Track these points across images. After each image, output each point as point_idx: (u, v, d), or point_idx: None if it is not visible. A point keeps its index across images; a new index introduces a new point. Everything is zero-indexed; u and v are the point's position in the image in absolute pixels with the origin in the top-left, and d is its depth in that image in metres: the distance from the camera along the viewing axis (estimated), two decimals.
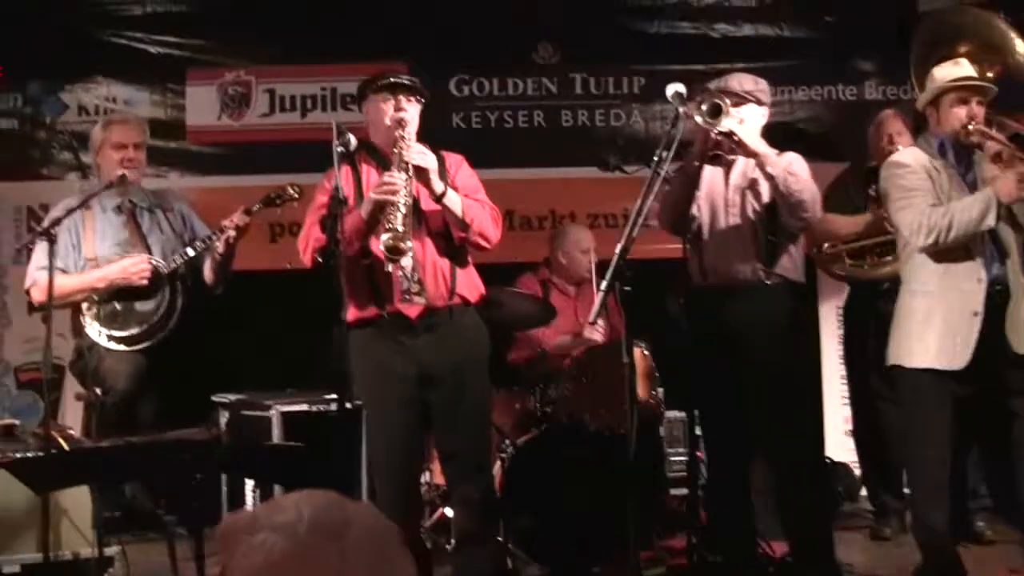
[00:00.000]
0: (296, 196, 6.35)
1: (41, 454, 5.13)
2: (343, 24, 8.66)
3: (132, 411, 6.14)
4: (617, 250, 5.16)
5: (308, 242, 5.50)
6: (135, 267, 6.21)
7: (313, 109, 8.85)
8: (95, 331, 6.29)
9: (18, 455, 5.44)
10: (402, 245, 5.14)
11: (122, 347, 6.20)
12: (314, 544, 1.84)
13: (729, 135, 5.46)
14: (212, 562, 4.57)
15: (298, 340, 7.71)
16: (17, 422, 6.40)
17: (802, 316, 6.01)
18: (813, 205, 5.57)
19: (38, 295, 6.35)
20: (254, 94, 8.86)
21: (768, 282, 5.65)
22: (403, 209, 5.24)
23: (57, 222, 5.81)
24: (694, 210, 5.75)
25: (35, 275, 6.37)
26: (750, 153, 5.55)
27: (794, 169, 5.51)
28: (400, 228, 5.19)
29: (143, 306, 6.21)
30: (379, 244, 5.16)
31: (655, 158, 5.31)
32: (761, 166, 5.54)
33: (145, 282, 6.18)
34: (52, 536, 5.39)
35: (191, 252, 6.29)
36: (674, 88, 5.35)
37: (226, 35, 8.92)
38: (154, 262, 6.28)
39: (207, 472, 4.29)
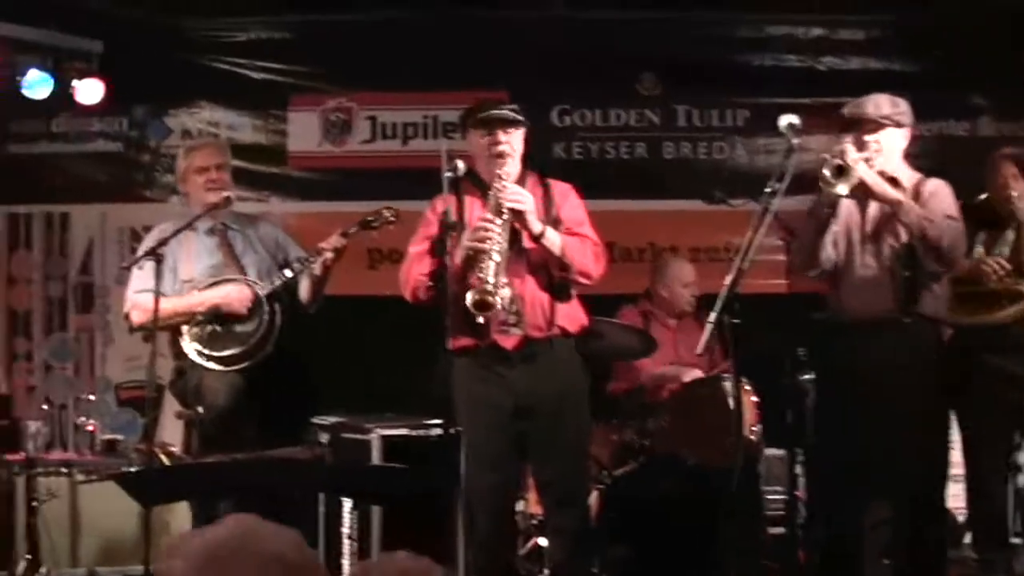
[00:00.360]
0: (392, 219, 6.33)
1: (152, 468, 5.16)
2: (445, 52, 8.68)
3: (231, 431, 6.13)
4: (726, 282, 5.09)
5: (410, 276, 5.50)
6: (238, 294, 6.22)
7: (414, 137, 8.88)
8: (193, 351, 6.31)
9: (126, 469, 5.50)
10: (489, 299, 5.12)
11: (220, 367, 6.20)
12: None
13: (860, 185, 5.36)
14: None
15: (396, 365, 7.72)
16: (121, 437, 6.48)
17: (938, 356, 5.82)
18: (951, 252, 5.45)
19: (138, 317, 6.34)
20: (356, 121, 8.90)
21: (906, 320, 5.53)
22: (496, 258, 5.22)
23: (164, 243, 5.84)
24: (829, 244, 5.65)
25: (134, 298, 6.36)
26: (881, 200, 5.45)
27: (932, 211, 5.38)
28: (490, 279, 5.17)
29: (242, 327, 6.21)
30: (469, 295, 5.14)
31: (767, 190, 5.23)
32: (894, 214, 5.43)
33: (246, 311, 6.18)
34: (154, 550, 5.42)
35: (289, 274, 6.29)
36: (787, 120, 5.28)
37: (328, 62, 8.98)
38: (256, 288, 6.28)
39: (309, 491, 4.30)
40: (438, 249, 4.84)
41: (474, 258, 5.23)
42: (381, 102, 8.93)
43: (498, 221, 5.26)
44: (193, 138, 8.93)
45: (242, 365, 6.17)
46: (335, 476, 4.73)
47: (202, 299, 6.25)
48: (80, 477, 6.13)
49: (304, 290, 6.37)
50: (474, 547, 5.40)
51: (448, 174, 5.03)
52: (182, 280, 6.33)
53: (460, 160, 5.19)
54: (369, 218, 6.33)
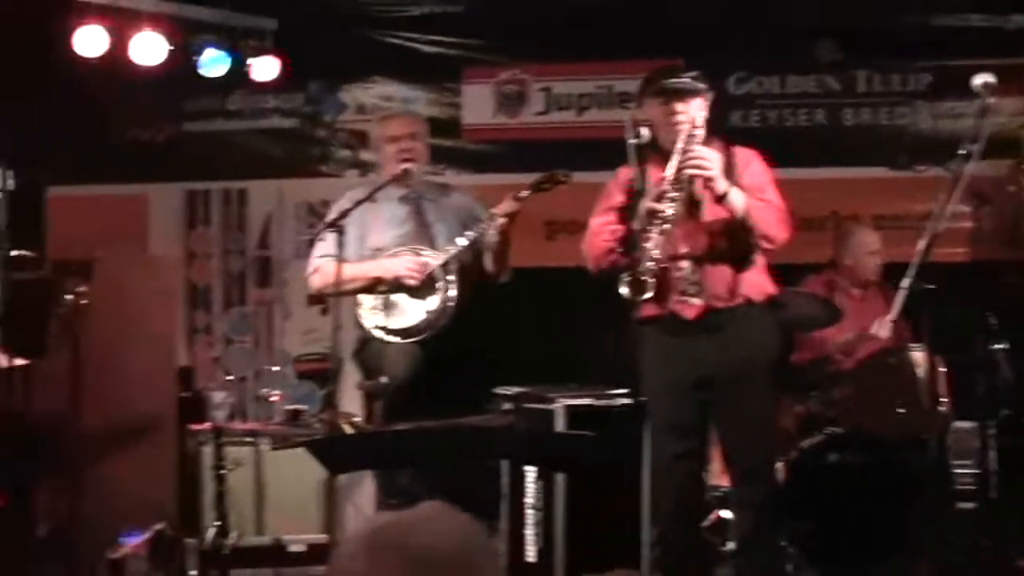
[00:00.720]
0: (565, 180, 6.24)
1: (342, 435, 5.19)
2: (619, 21, 8.56)
3: (412, 401, 6.14)
4: (919, 248, 4.95)
5: (593, 246, 5.45)
6: (407, 268, 6.21)
7: (589, 107, 8.81)
8: (370, 323, 6.34)
9: (316, 437, 5.55)
10: (644, 281, 5.02)
11: (396, 339, 6.21)
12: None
13: None
14: None
15: (574, 336, 7.68)
16: (305, 407, 6.54)
17: None
18: None
19: (318, 281, 6.38)
20: (530, 92, 8.87)
21: None
22: (666, 227, 5.12)
23: (346, 214, 5.85)
24: None
25: (317, 262, 6.40)
26: None
27: None
28: (651, 255, 5.07)
29: (417, 299, 6.20)
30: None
31: (960, 152, 5.05)
32: None
33: (414, 283, 6.16)
34: (336, 519, 5.47)
35: (463, 242, 6.26)
36: (982, 78, 5.09)
37: (502, 34, 8.94)
38: (430, 260, 6.26)
39: (498, 458, 4.27)
40: (627, 216, 4.76)
41: (646, 224, 5.13)
42: (555, 73, 8.88)
43: (675, 186, 5.17)
44: (367, 113, 9.01)
45: (418, 337, 6.16)
46: (524, 444, 4.68)
47: (376, 267, 6.26)
48: (265, 446, 6.18)
49: (488, 260, 6.34)
50: (659, 518, 5.35)
51: (632, 141, 4.94)
52: (372, 248, 6.36)
53: (644, 128, 5.09)
54: (541, 180, 6.26)
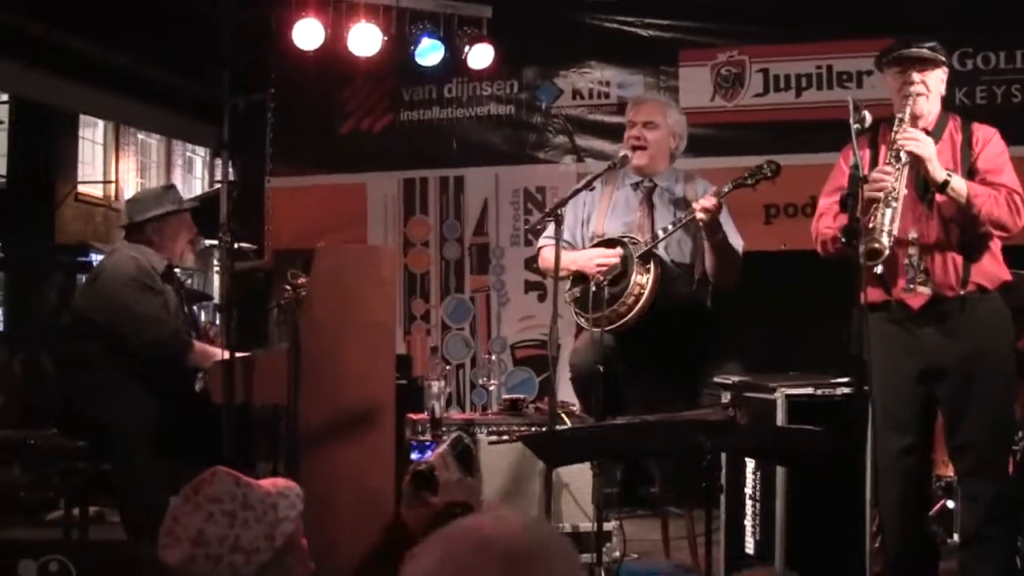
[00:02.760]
0: (770, 175, 6.09)
1: (560, 429, 5.15)
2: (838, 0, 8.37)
3: (619, 390, 6.07)
4: None
5: (819, 229, 5.30)
6: (597, 262, 6.16)
7: (808, 88, 8.62)
8: (573, 311, 6.33)
9: (532, 430, 5.54)
10: (876, 246, 4.81)
11: (592, 328, 6.13)
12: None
13: None
14: (704, 541, 4.54)
15: (793, 321, 7.53)
16: (524, 396, 6.53)
17: None
18: None
19: (540, 264, 6.73)
20: (747, 74, 8.72)
21: None
22: (893, 204, 4.92)
23: (563, 203, 5.82)
24: None
25: (540, 242, 6.68)
26: None
27: None
28: (885, 225, 4.87)
29: (612, 289, 6.12)
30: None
31: None
32: None
33: (600, 276, 6.07)
34: (554, 509, 5.44)
35: (660, 234, 6.19)
36: None
37: (719, 15, 8.83)
38: (627, 252, 6.18)
39: (719, 452, 4.19)
40: (848, 203, 4.59)
41: (870, 206, 4.95)
42: (773, 54, 8.71)
43: (896, 166, 4.98)
44: (584, 99, 9.00)
45: (613, 326, 6.08)
46: (748, 438, 4.58)
47: (572, 259, 6.23)
48: (483, 435, 6.18)
49: (707, 261, 6.25)
50: (883, 510, 5.18)
51: (855, 126, 4.76)
52: (594, 233, 6.35)
53: (867, 111, 4.91)
54: (745, 175, 6.13)
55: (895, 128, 5.05)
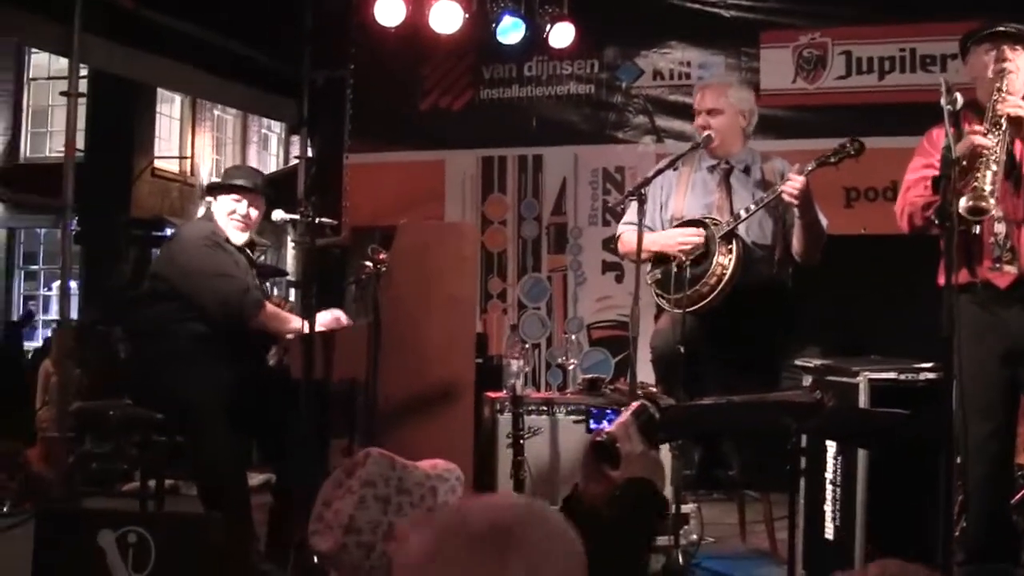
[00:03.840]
0: (853, 153, 5.99)
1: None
2: None
3: (696, 372, 6.03)
4: None
5: (905, 202, 5.22)
6: (680, 241, 6.11)
7: (891, 71, 8.52)
8: (653, 292, 6.29)
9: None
10: (983, 204, 4.75)
11: (673, 309, 6.10)
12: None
13: None
14: (781, 525, 4.49)
15: (873, 304, 7.47)
16: (602, 376, 6.52)
17: None
18: None
19: (620, 248, 6.63)
20: (830, 56, 8.64)
21: None
22: (993, 167, 4.85)
23: (647, 182, 5.80)
24: None
25: (620, 228, 6.59)
26: None
27: None
28: (987, 187, 4.80)
29: (693, 270, 6.07)
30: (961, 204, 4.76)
31: None
32: None
33: (683, 256, 6.02)
34: None
35: (743, 214, 6.13)
36: None
37: None
38: (709, 233, 6.14)
39: (806, 435, 4.15)
40: (941, 183, 4.52)
41: (969, 167, 4.88)
42: (856, 36, 8.62)
43: (995, 132, 4.91)
44: (664, 79, 8.97)
45: (694, 307, 6.03)
46: (836, 421, 4.54)
47: (655, 240, 6.20)
48: (561, 415, 6.17)
49: (795, 241, 6.19)
50: (967, 496, 5.13)
51: (947, 107, 4.69)
52: (672, 216, 6.31)
53: (959, 92, 4.84)
54: (828, 154, 6.05)
55: (994, 97, 4.98)
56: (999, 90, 5.00)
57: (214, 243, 5.97)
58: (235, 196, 6.12)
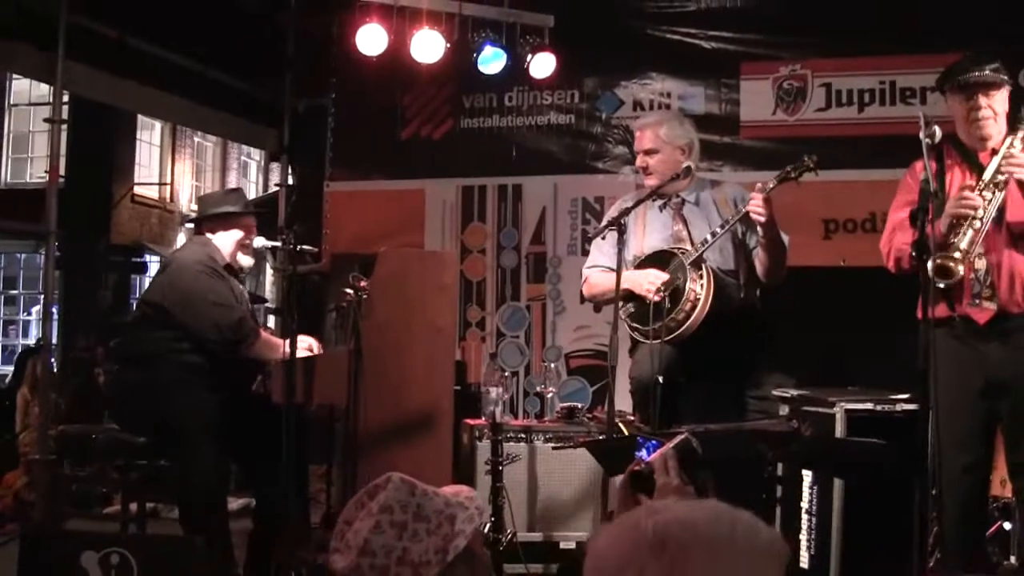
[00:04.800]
0: (812, 166, 5.96)
1: (623, 437, 5.16)
2: (901, 15, 8.31)
3: (676, 402, 6.05)
4: None
5: (892, 245, 5.28)
6: (647, 282, 6.10)
7: (870, 103, 8.57)
8: (627, 326, 6.30)
9: (592, 437, 5.54)
10: (951, 266, 4.81)
11: (648, 341, 6.10)
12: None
13: None
14: None
15: (851, 336, 7.50)
16: (580, 405, 6.54)
17: None
18: None
19: (586, 291, 6.58)
20: (810, 88, 8.70)
21: None
22: (977, 224, 4.93)
23: (627, 213, 5.81)
24: None
25: (585, 272, 6.53)
26: None
27: None
28: (963, 245, 4.87)
29: (667, 299, 6.08)
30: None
31: None
32: None
33: (655, 296, 6.01)
34: (608, 516, 5.44)
35: (708, 239, 6.14)
36: None
37: (781, 29, 8.82)
38: (678, 262, 6.14)
39: (782, 463, 4.19)
40: (918, 217, 4.57)
41: (955, 225, 4.94)
42: (836, 68, 8.67)
43: (992, 193, 4.97)
44: (645, 110, 9.00)
45: (671, 336, 6.04)
46: (812, 450, 4.58)
47: (625, 281, 6.19)
48: (539, 442, 6.19)
49: (758, 263, 6.20)
50: (942, 527, 5.16)
51: (926, 140, 4.74)
52: (634, 254, 6.28)
53: (938, 126, 4.89)
54: (788, 169, 6.04)
55: (1000, 159, 5.04)
56: (1010, 155, 5.04)
57: (212, 271, 6.02)
58: (245, 223, 6.20)
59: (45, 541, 4.96)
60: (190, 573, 4.71)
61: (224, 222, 6.23)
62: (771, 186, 5.95)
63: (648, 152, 6.37)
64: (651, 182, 6.31)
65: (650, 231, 6.40)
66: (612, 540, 1.90)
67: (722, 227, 6.10)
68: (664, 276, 6.03)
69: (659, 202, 6.38)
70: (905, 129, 4.82)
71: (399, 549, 2.78)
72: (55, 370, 8.38)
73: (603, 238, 6.17)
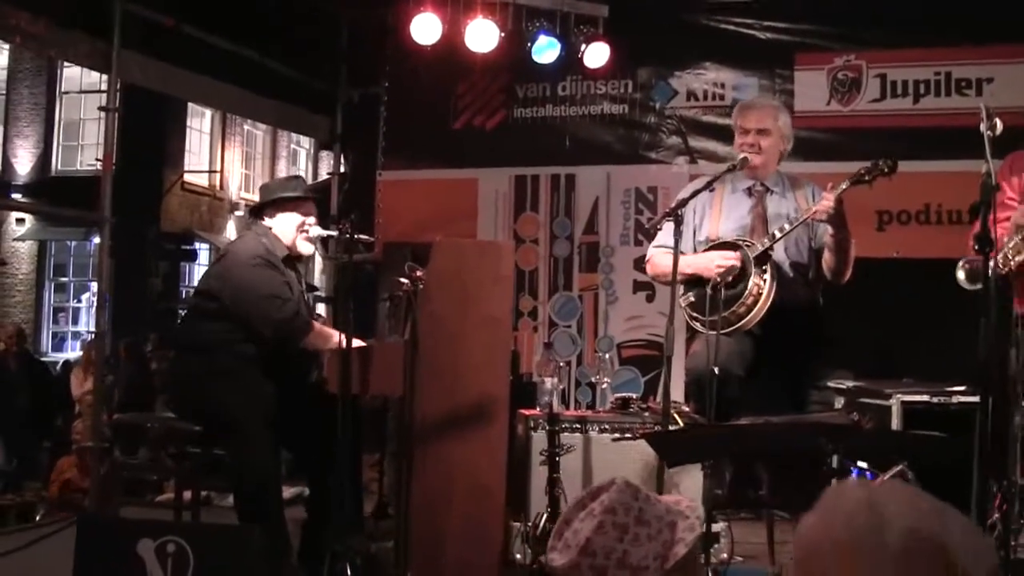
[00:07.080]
0: (886, 170, 5.94)
1: (684, 428, 5.15)
2: (959, 5, 8.25)
3: (731, 394, 6.02)
4: None
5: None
6: (717, 263, 6.09)
7: (926, 94, 8.52)
8: (687, 315, 6.29)
9: (650, 426, 5.52)
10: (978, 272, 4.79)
11: (707, 331, 6.08)
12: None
13: None
14: None
15: (905, 328, 7.46)
16: (632, 395, 6.53)
17: None
18: None
19: (649, 270, 6.63)
20: (864, 79, 8.65)
21: None
22: None
23: (684, 203, 5.78)
24: None
25: (651, 251, 6.55)
26: None
27: None
28: (1009, 252, 4.84)
29: (728, 292, 6.07)
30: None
31: None
32: None
33: (719, 278, 6.01)
34: None
35: (777, 235, 6.12)
36: None
37: (836, 19, 8.77)
38: (744, 255, 6.13)
39: (838, 456, 4.15)
40: (981, 210, 4.53)
41: (1017, 228, 4.91)
42: (891, 59, 8.63)
43: None
44: (698, 100, 8.99)
45: (730, 329, 6.04)
46: (872, 443, 4.55)
47: (690, 263, 6.18)
48: (594, 432, 6.19)
49: (825, 261, 6.19)
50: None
51: (988, 133, 4.70)
52: (707, 237, 6.30)
53: (999, 118, 4.84)
54: (861, 172, 6.02)
55: None
56: None
57: (266, 262, 6.02)
58: (305, 208, 6.21)
59: (102, 528, 4.99)
60: (246, 562, 4.72)
61: (284, 206, 6.23)
62: (844, 186, 5.94)
63: (762, 132, 6.38)
64: (757, 161, 6.32)
65: (727, 217, 6.40)
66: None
67: (791, 223, 6.10)
68: (734, 256, 6.04)
69: (745, 184, 6.38)
70: (961, 121, 4.80)
71: (619, 551, 2.79)
72: (108, 356, 8.41)
73: (661, 228, 6.16)
